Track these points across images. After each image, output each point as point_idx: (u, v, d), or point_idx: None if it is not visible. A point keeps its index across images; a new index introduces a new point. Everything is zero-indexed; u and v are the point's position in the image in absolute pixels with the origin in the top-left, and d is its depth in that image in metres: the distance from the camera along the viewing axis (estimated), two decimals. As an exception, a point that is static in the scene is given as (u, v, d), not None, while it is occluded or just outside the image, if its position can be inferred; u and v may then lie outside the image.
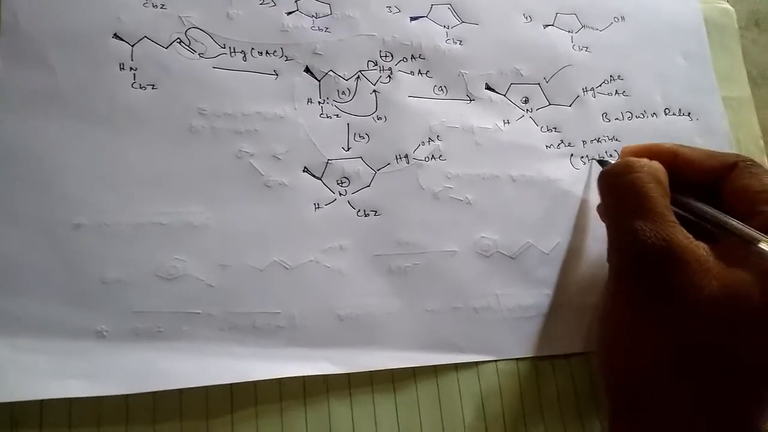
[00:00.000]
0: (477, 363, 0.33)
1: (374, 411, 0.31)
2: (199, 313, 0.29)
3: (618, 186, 0.29)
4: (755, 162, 0.30)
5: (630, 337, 0.28)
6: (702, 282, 0.25)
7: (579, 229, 0.36)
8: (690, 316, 0.25)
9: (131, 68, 0.32)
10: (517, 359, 0.33)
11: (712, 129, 0.40)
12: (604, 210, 0.32)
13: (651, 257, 0.26)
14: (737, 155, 0.31)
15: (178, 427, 0.28)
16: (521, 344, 0.33)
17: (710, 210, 0.29)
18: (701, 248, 0.26)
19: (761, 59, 0.44)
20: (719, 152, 0.31)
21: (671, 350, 0.26)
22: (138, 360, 0.28)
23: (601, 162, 0.36)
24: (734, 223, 0.27)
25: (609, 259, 0.30)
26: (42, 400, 0.27)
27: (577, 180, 0.37)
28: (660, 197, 0.28)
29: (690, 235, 0.27)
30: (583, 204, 0.36)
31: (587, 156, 0.37)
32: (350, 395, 0.31)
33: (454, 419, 0.31)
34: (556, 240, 0.35)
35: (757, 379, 0.25)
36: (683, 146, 0.32)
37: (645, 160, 0.30)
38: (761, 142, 0.40)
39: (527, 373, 0.33)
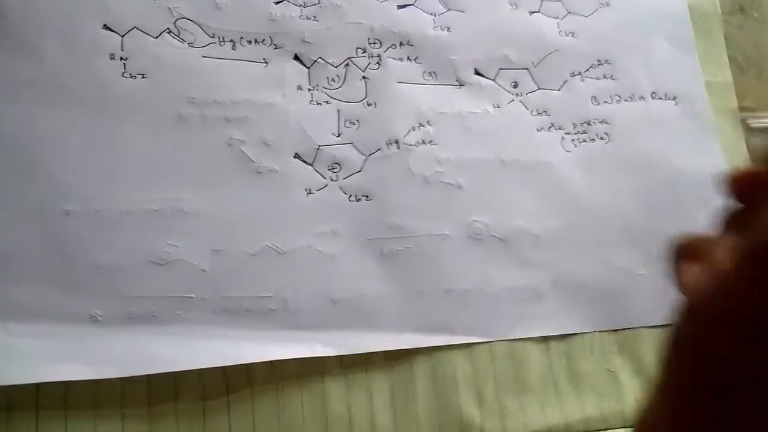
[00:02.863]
0: (470, 344, 0.33)
1: (370, 391, 0.31)
2: (192, 298, 0.30)
3: None
4: None
5: None
6: None
7: (571, 210, 0.36)
8: None
9: (121, 58, 0.32)
10: (509, 340, 0.33)
11: (696, 113, 0.40)
12: None
13: None
14: None
15: (173, 409, 0.28)
16: (513, 325, 0.34)
17: None
18: None
19: (746, 44, 0.45)
20: None
21: None
22: (132, 343, 0.28)
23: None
24: None
25: None
26: (38, 384, 0.27)
27: (569, 162, 0.37)
28: None
29: None
30: (575, 185, 0.36)
31: (577, 139, 0.38)
32: (345, 376, 0.31)
33: (449, 399, 0.32)
34: (549, 222, 0.36)
35: None
36: None
37: None
38: (740, 128, 0.41)
39: (520, 353, 0.33)
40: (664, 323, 0.35)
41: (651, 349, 0.35)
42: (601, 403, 0.33)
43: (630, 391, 0.34)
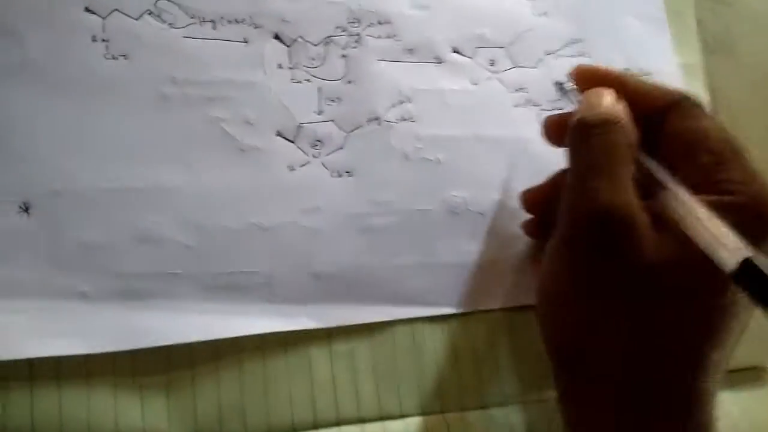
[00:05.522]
0: (448, 315, 0.34)
1: (353, 362, 0.32)
2: (179, 273, 0.30)
3: (592, 143, 0.27)
4: (700, 103, 0.28)
5: (573, 295, 0.28)
6: (641, 250, 0.25)
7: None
8: (630, 278, 0.26)
9: (103, 39, 0.32)
10: (487, 311, 0.35)
11: (670, 86, 0.41)
12: (569, 161, 0.29)
13: (605, 219, 0.25)
14: (682, 93, 0.28)
15: (164, 381, 0.29)
16: (491, 296, 0.35)
17: (653, 165, 0.27)
18: (645, 215, 0.26)
19: (717, 28, 0.46)
20: (665, 87, 0.29)
21: (613, 307, 0.26)
22: (122, 319, 0.29)
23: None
24: (673, 187, 0.26)
25: (560, 214, 0.28)
26: (31, 360, 0.27)
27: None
28: (629, 162, 0.27)
29: (640, 201, 0.26)
30: (551, 159, 0.37)
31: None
32: (330, 348, 0.32)
33: (429, 368, 0.33)
34: (525, 196, 0.37)
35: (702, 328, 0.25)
36: (631, 75, 0.30)
37: (619, 112, 0.27)
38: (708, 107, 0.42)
39: (498, 324, 0.35)
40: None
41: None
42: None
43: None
